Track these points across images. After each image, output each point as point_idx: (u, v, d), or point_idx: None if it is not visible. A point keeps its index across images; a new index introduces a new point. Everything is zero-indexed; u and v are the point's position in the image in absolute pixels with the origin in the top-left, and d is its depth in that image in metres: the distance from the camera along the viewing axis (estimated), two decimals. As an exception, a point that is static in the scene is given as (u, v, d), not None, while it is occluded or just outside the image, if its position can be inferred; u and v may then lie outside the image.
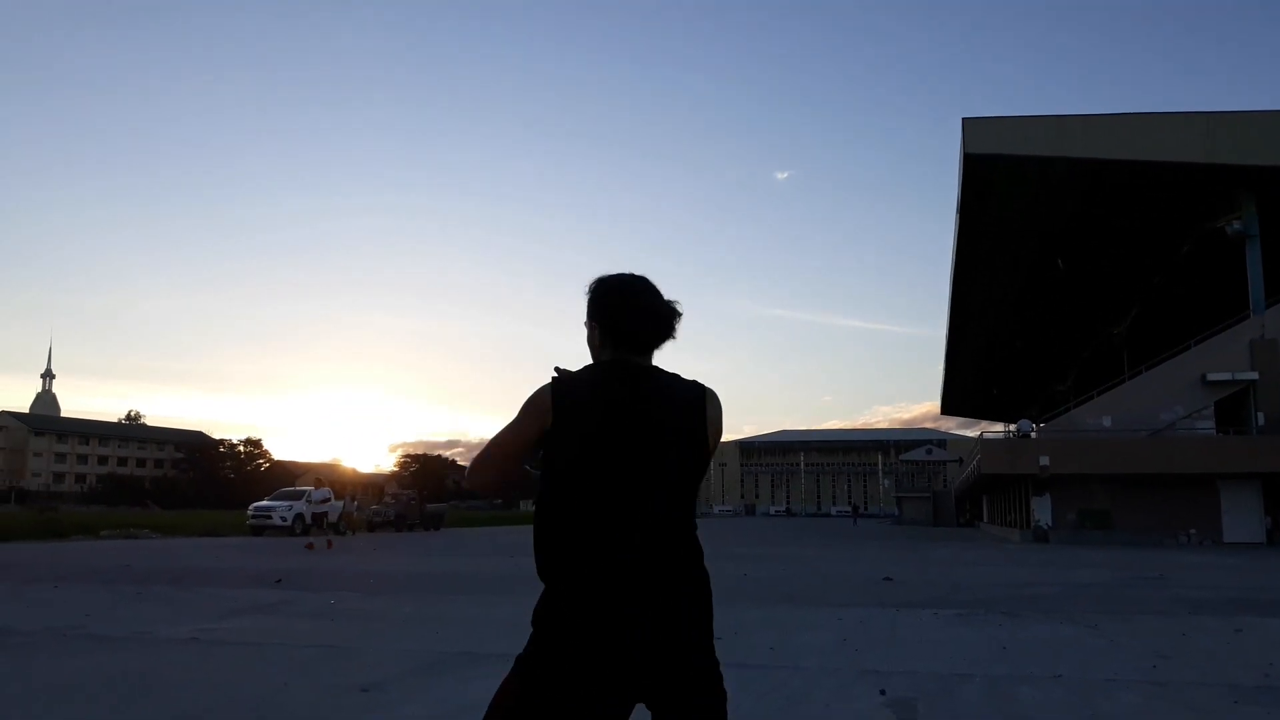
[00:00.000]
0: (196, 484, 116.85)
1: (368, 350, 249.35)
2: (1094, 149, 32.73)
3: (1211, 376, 34.02)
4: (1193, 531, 33.04)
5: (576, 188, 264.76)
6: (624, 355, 2.30)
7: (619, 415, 2.20)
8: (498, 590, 13.07)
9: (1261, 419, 33.25)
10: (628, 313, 2.31)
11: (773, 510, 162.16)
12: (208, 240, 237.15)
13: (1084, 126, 33.56)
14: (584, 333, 2.40)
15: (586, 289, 2.39)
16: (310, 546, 24.42)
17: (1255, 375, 33.41)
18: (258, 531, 34.18)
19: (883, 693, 5.74)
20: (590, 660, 2.05)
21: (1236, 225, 33.12)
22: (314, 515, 35.58)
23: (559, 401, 2.20)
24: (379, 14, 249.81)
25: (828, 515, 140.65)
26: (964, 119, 33.63)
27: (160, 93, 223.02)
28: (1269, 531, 32.96)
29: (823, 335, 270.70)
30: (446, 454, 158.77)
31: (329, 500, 37.87)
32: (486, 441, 2.30)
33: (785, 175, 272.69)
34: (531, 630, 2.19)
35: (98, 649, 7.24)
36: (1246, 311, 34.33)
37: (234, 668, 6.51)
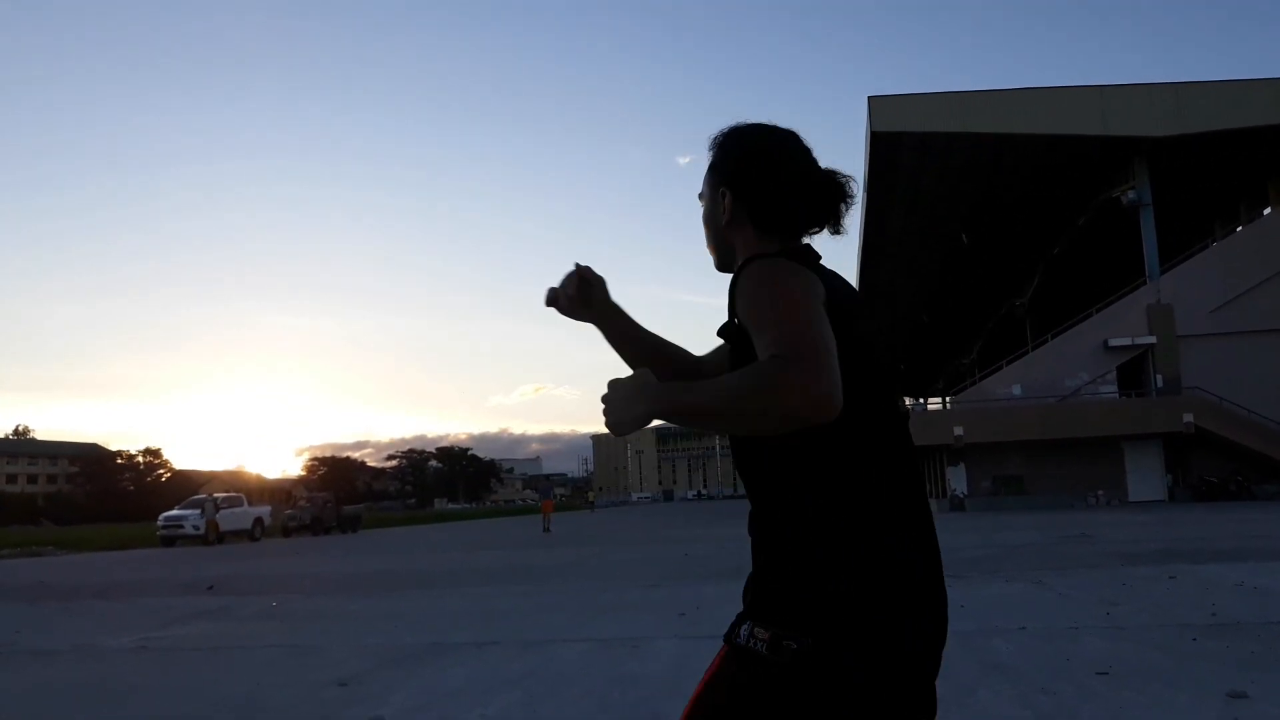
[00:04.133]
0: (94, 498, 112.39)
1: (267, 353, 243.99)
2: (996, 124, 33.62)
3: (1113, 342, 35.34)
4: (1101, 492, 34.32)
5: (479, 179, 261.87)
6: (796, 247, 1.58)
7: (882, 342, 1.59)
8: (440, 584, 12.90)
9: (1160, 381, 34.69)
10: (797, 186, 1.61)
11: (690, 494, 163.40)
12: (91, 243, 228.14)
13: (986, 102, 34.45)
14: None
15: (720, 143, 1.67)
16: (211, 588, 23.67)
17: (1153, 339, 34.81)
18: (169, 542, 33.09)
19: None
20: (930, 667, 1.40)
21: (1131, 195, 34.41)
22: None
23: (833, 296, 1.44)
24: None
25: (744, 496, 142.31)
26: (870, 97, 34.20)
27: (32, 84, 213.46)
28: (1170, 489, 34.43)
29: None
30: (355, 455, 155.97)
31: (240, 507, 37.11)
32: (790, 328, 1.31)
33: (688, 160, 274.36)
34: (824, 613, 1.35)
35: (43, 662, 6.90)
36: (1143, 278, 35.73)
37: (200, 672, 6.28)
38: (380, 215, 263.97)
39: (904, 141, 33.93)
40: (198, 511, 34.59)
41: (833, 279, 1.52)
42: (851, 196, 1.64)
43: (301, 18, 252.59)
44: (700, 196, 1.72)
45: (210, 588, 13.19)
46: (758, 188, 1.60)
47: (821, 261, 1.57)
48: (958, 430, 34.69)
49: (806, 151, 1.64)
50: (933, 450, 38.23)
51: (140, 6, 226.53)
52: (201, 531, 33.52)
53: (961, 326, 55.77)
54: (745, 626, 1.41)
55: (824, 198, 1.62)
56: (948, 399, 46.09)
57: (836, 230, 1.64)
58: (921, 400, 65.56)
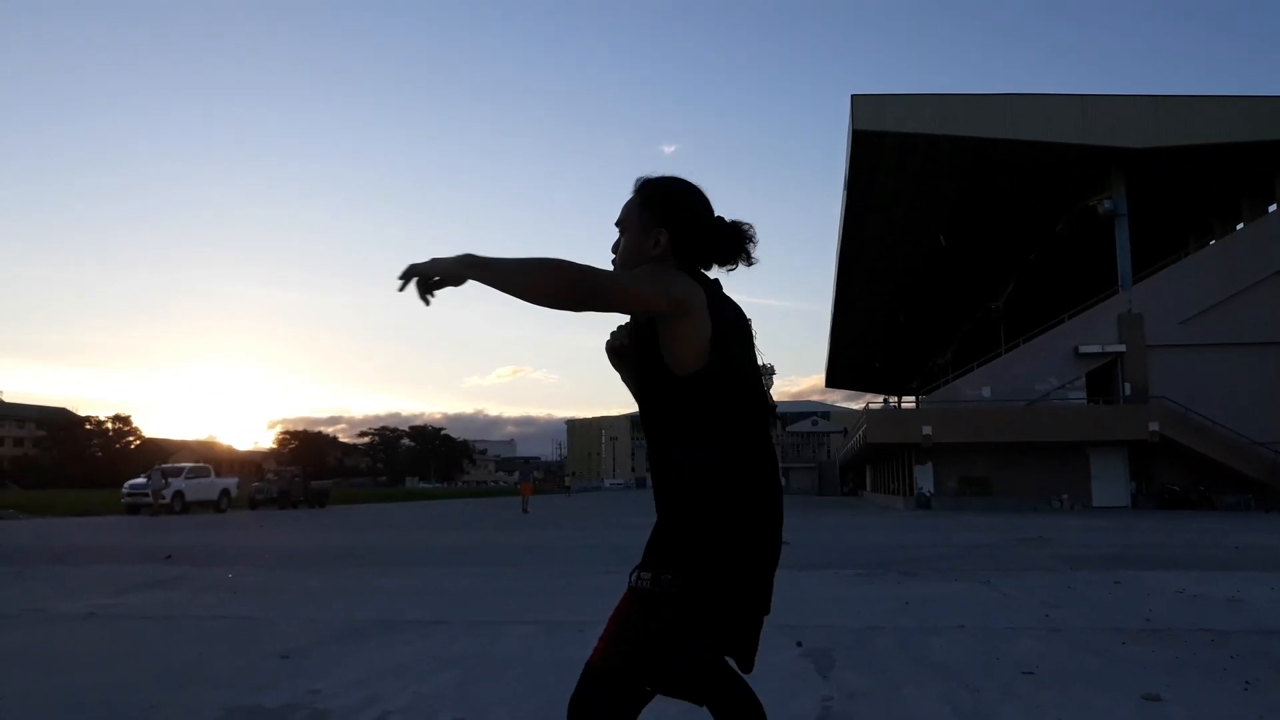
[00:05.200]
0: (61, 463, 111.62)
1: (244, 326, 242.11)
2: (977, 128, 33.83)
3: (1083, 349, 35.70)
4: (1065, 496, 34.71)
5: (456, 158, 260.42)
6: (701, 274, 2.04)
7: (753, 361, 2.06)
8: (400, 562, 12.93)
9: (1128, 389, 35.08)
10: (716, 227, 2.05)
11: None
12: (65, 204, 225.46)
13: (968, 105, 34.65)
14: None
15: (646, 187, 2.07)
16: (169, 558, 23.60)
17: (1123, 348, 35.19)
18: (134, 510, 33.00)
19: (799, 644, 5.92)
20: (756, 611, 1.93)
21: (1108, 204, 34.71)
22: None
23: (717, 314, 1.93)
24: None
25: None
26: (853, 96, 34.30)
27: (19, 58, 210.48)
28: (1133, 495, 34.88)
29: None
30: (329, 430, 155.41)
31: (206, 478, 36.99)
32: (607, 271, 1.89)
33: (672, 149, 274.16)
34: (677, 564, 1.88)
35: (-10, 626, 6.92)
36: (1116, 287, 36.09)
37: (145, 640, 6.31)
38: (363, 191, 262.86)
39: (885, 141, 34.08)
40: (168, 480, 34.46)
41: (725, 307, 1.98)
42: (753, 240, 2.07)
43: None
44: (619, 225, 2.09)
45: (168, 557, 13.19)
46: (687, 229, 2.02)
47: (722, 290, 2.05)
48: (926, 430, 34.97)
49: (711, 206, 2.08)
50: (901, 449, 38.57)
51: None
52: (167, 501, 33.41)
53: (937, 327, 56.15)
54: (635, 573, 1.95)
55: (732, 243, 2.05)
56: (918, 399, 46.38)
57: (749, 263, 2.09)
58: (895, 399, 66.02)
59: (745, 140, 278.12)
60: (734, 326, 1.97)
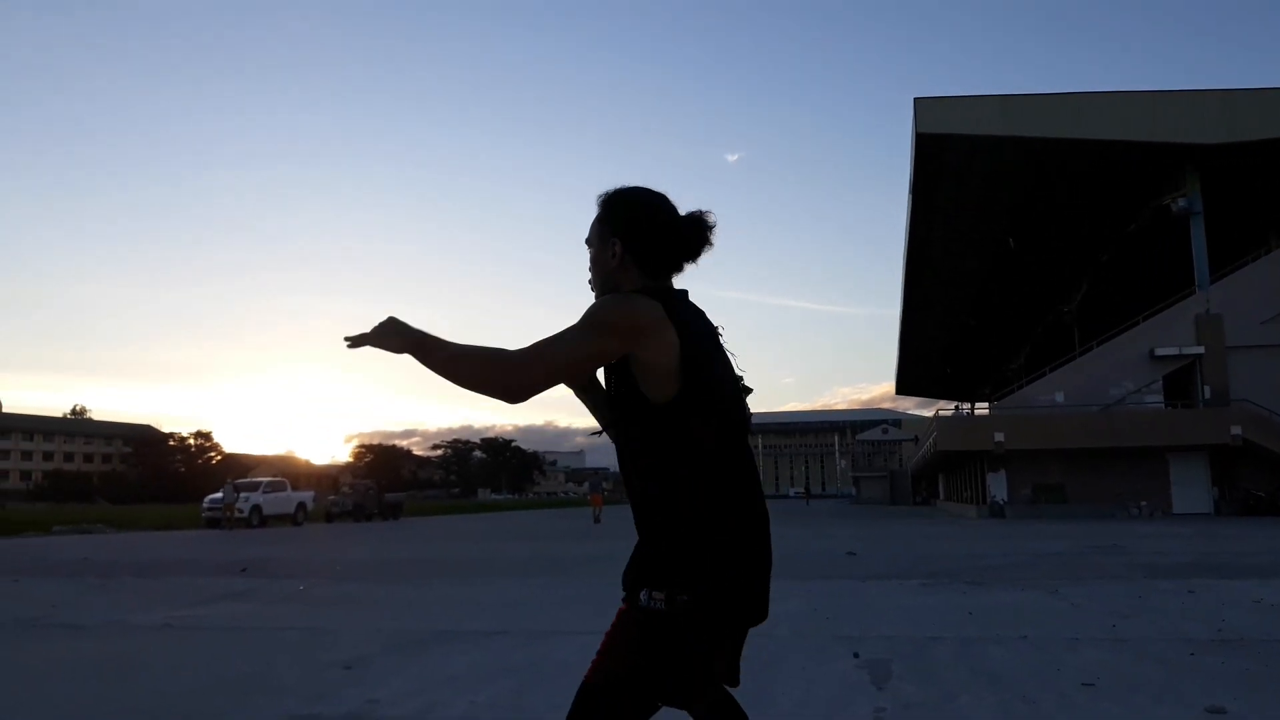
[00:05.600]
0: (146, 478, 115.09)
1: (322, 338, 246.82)
2: (1043, 128, 33.21)
3: (1159, 351, 34.79)
4: (1144, 503, 33.80)
5: (528, 171, 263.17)
6: (659, 284, 2.04)
7: (730, 370, 2.06)
8: (466, 573, 13.11)
9: (1208, 392, 34.08)
10: (672, 232, 2.04)
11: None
12: (152, 228, 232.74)
13: (1033, 106, 34.04)
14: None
15: (607, 201, 2.09)
16: (245, 570, 24.10)
17: (1201, 350, 34.21)
18: (214, 524, 33.84)
19: (857, 655, 5.89)
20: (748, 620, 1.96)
21: (1182, 203, 33.79)
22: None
23: (681, 326, 1.92)
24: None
25: (785, 497, 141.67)
26: (916, 99, 33.93)
27: (81, 75, 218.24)
28: (1216, 502, 33.83)
29: (779, 317, 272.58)
30: (403, 444, 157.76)
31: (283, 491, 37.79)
32: (542, 340, 1.89)
33: (736, 157, 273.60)
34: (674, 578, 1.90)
35: (73, 636, 7.21)
36: (1192, 287, 35.10)
37: (215, 650, 6.52)
38: (438, 207, 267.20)
39: (950, 144, 33.65)
40: (244, 495, 35.31)
41: (692, 318, 1.98)
42: (712, 226, 2.06)
43: (365, 8, 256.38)
44: (588, 243, 2.12)
45: (243, 570, 13.54)
46: (641, 237, 2.03)
47: (688, 298, 2.06)
48: (998, 436, 34.34)
49: (673, 209, 2.07)
50: (973, 456, 37.92)
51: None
52: (245, 514, 34.27)
53: (1009, 331, 55.15)
54: (644, 593, 1.91)
55: (690, 238, 2.04)
56: (986, 405, 45.56)
57: (708, 248, 2.07)
58: (967, 406, 64.99)
59: (808, 145, 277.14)
60: (702, 336, 1.97)
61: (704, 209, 2.06)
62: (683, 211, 2.07)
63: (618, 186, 2.09)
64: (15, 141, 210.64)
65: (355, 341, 1.99)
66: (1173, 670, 5.42)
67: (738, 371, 2.08)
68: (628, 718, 1.92)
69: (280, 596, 10.04)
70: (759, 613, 1.96)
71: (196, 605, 9.22)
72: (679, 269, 2.06)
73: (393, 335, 1.94)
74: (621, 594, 2.01)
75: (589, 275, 2.12)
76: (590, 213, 2.09)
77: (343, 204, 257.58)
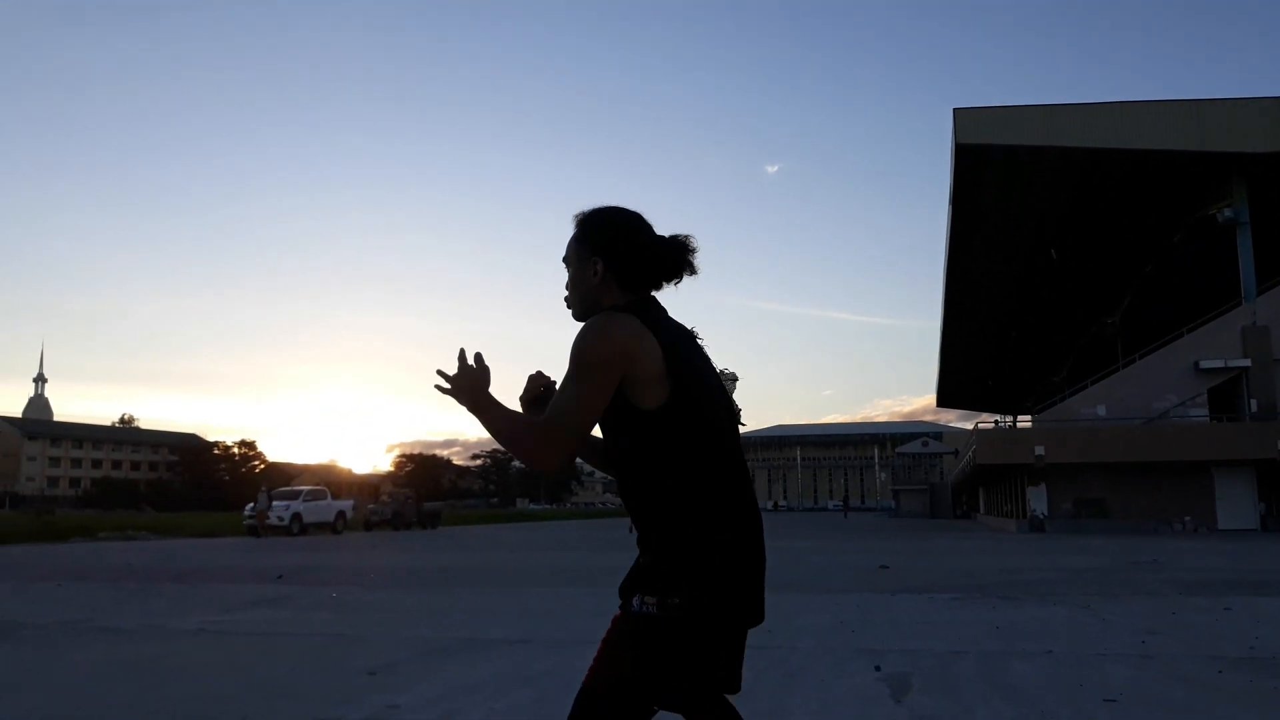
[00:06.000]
0: (191, 486, 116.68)
1: (364, 349, 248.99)
2: (1085, 138, 32.84)
3: (1204, 364, 34.20)
4: (1188, 519, 33.22)
5: (568, 183, 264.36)
6: (641, 298, 2.09)
7: (711, 370, 2.11)
8: (498, 583, 13.21)
9: (1254, 405, 33.42)
10: (652, 251, 2.09)
11: (768, 505, 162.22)
12: (196, 241, 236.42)
13: (1075, 115, 33.66)
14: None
15: (580, 220, 2.14)
16: (281, 578, 24.38)
17: (1247, 362, 33.59)
18: (254, 532, 34.28)
19: (878, 668, 5.89)
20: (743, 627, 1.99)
21: (1228, 213, 33.22)
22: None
23: (664, 337, 1.98)
24: (366, 14, 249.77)
25: (824, 509, 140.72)
26: (955, 109, 33.72)
27: (149, 94, 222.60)
28: (1262, 518, 33.15)
29: (819, 329, 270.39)
30: (443, 453, 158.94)
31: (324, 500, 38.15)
32: (552, 416, 1.95)
33: (775, 168, 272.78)
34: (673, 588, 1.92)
35: (110, 639, 7.38)
36: (1238, 299, 34.49)
37: (244, 654, 6.65)
38: (476, 217, 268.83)
39: (990, 155, 33.38)
40: (284, 503, 35.75)
41: (673, 330, 2.05)
42: (694, 250, 2.10)
43: (417, 29, 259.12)
44: (565, 261, 2.16)
45: (279, 577, 13.74)
46: (621, 255, 2.07)
47: (667, 313, 2.10)
48: (1038, 450, 33.91)
49: (650, 228, 2.12)
50: (1013, 470, 37.47)
51: (288, 28, 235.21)
52: (285, 523, 34.68)
53: (1051, 343, 54.48)
54: (636, 598, 1.94)
55: (670, 258, 2.08)
56: (1029, 418, 45.02)
57: (691, 273, 2.11)
58: (1010, 419, 64.22)
59: (848, 155, 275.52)
60: (682, 346, 2.02)
61: (687, 234, 2.11)
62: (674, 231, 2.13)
63: (598, 206, 2.15)
64: (84, 162, 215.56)
65: (441, 388, 2.13)
66: (1198, 688, 5.36)
67: (724, 370, 2.13)
68: (633, 714, 1.93)
69: (313, 603, 10.20)
70: (753, 615, 1.98)
71: (231, 611, 9.39)
72: (658, 287, 2.11)
73: (464, 393, 2.09)
74: (619, 603, 2.03)
75: (565, 294, 2.17)
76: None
77: (396, 223, 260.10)
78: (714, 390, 2.05)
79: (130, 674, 5.91)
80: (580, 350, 1.94)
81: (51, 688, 5.46)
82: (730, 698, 2.11)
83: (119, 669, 6.09)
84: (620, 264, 2.07)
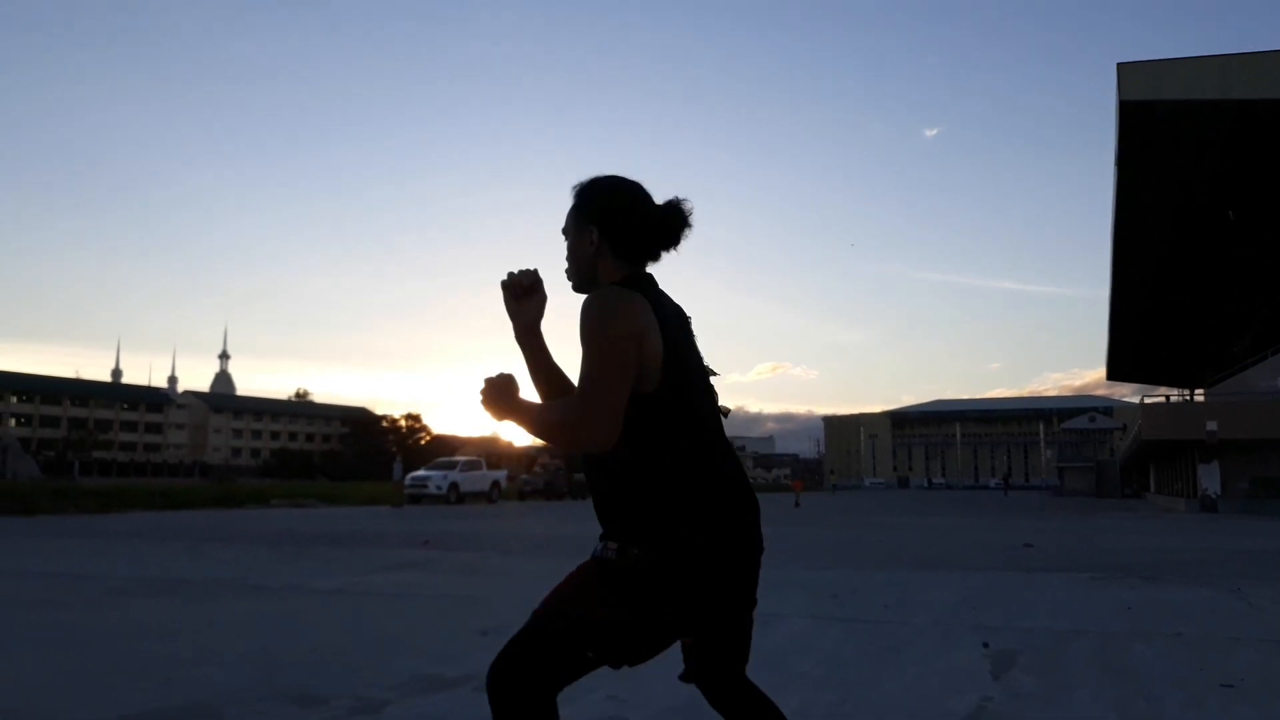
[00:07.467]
0: (361, 457, 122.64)
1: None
2: (1264, 89, 30.50)
3: (1402, 333, 31.47)
4: (1380, 500, 30.78)
5: (726, 152, 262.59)
6: (636, 271, 2.08)
7: (697, 352, 2.11)
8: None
9: None
10: (648, 221, 2.08)
11: (926, 483, 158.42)
12: (368, 222, 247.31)
13: (1252, 65, 31.22)
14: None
15: (583, 190, 2.12)
16: (427, 543, 25.32)
17: None
18: (415, 500, 35.75)
19: (986, 645, 5.76)
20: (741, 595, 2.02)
21: None
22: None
23: (665, 315, 1.99)
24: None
25: (985, 488, 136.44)
26: (1119, 64, 31.73)
27: (322, 87, 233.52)
28: None
29: (982, 299, 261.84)
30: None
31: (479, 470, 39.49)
32: (583, 389, 1.91)
33: (934, 132, 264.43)
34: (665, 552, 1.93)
35: (255, 596, 7.94)
36: None
37: (371, 613, 7.05)
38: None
39: (1157, 111, 31.39)
40: (442, 473, 37.21)
41: (663, 302, 2.03)
42: (690, 213, 2.09)
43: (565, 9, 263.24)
44: (564, 232, 2.16)
45: (426, 542, 14.38)
46: (617, 225, 2.06)
47: (660, 286, 2.09)
48: (1211, 425, 31.99)
49: (649, 197, 2.10)
50: (1184, 446, 35.47)
51: (455, 16, 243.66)
52: (443, 492, 36.09)
53: (1230, 311, 51.03)
54: (600, 545, 2.02)
55: (667, 227, 2.07)
56: (1200, 391, 42.37)
57: (673, 246, 2.11)
58: (1183, 393, 60.65)
59: (1009, 117, 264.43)
60: (676, 327, 2.01)
61: (682, 197, 2.08)
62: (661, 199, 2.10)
63: (596, 176, 2.13)
64: (258, 150, 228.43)
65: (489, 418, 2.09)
66: (1333, 676, 5.04)
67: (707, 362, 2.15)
68: (566, 652, 1.92)
69: (451, 568, 10.65)
70: (727, 586, 1.96)
71: (372, 573, 9.91)
72: (656, 257, 2.10)
73: (493, 407, 2.04)
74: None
75: (565, 266, 2.16)
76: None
77: (555, 202, 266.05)
78: (701, 379, 2.08)
79: (263, 626, 6.36)
80: (595, 327, 1.89)
81: (198, 636, 5.95)
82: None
83: (260, 622, 6.56)
84: (618, 233, 2.05)
